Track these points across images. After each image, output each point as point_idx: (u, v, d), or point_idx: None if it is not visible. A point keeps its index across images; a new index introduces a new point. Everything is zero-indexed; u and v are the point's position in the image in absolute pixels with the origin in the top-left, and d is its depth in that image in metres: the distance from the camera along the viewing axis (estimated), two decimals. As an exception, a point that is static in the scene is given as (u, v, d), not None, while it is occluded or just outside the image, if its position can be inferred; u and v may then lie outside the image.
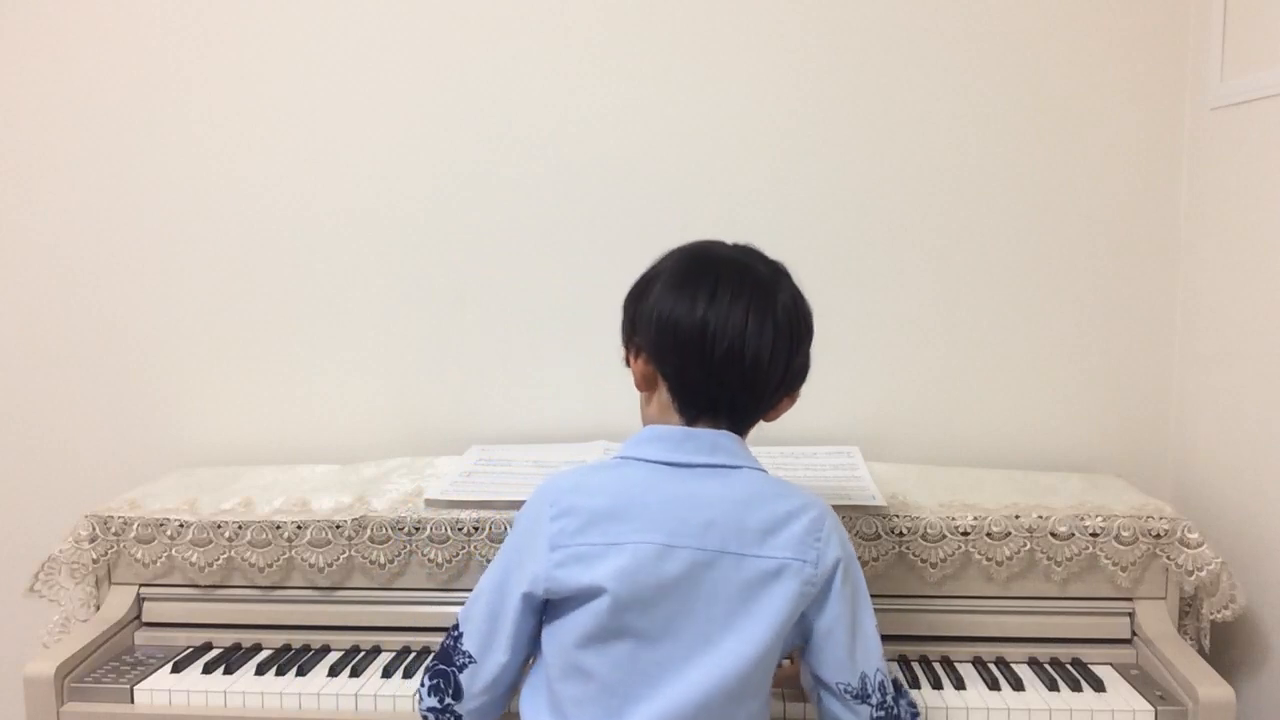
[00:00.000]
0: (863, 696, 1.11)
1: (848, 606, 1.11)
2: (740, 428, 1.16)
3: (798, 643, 1.14)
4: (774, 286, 1.15)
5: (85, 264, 1.89)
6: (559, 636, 1.09)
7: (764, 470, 1.15)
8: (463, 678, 1.12)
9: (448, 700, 1.12)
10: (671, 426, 1.13)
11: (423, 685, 1.15)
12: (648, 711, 1.05)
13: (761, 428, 1.17)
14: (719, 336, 1.09)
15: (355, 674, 1.44)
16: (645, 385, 1.17)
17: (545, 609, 1.12)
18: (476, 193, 1.83)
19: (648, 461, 1.12)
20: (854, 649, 1.11)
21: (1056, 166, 1.77)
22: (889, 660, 1.44)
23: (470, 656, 1.12)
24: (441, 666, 1.14)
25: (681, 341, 1.11)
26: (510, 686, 1.15)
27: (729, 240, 1.22)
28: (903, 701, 1.14)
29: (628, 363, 1.19)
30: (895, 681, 1.15)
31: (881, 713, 1.11)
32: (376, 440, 1.88)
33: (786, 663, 1.35)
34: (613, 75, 1.80)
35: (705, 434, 1.13)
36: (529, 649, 1.14)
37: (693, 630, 1.06)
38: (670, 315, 1.11)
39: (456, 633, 1.14)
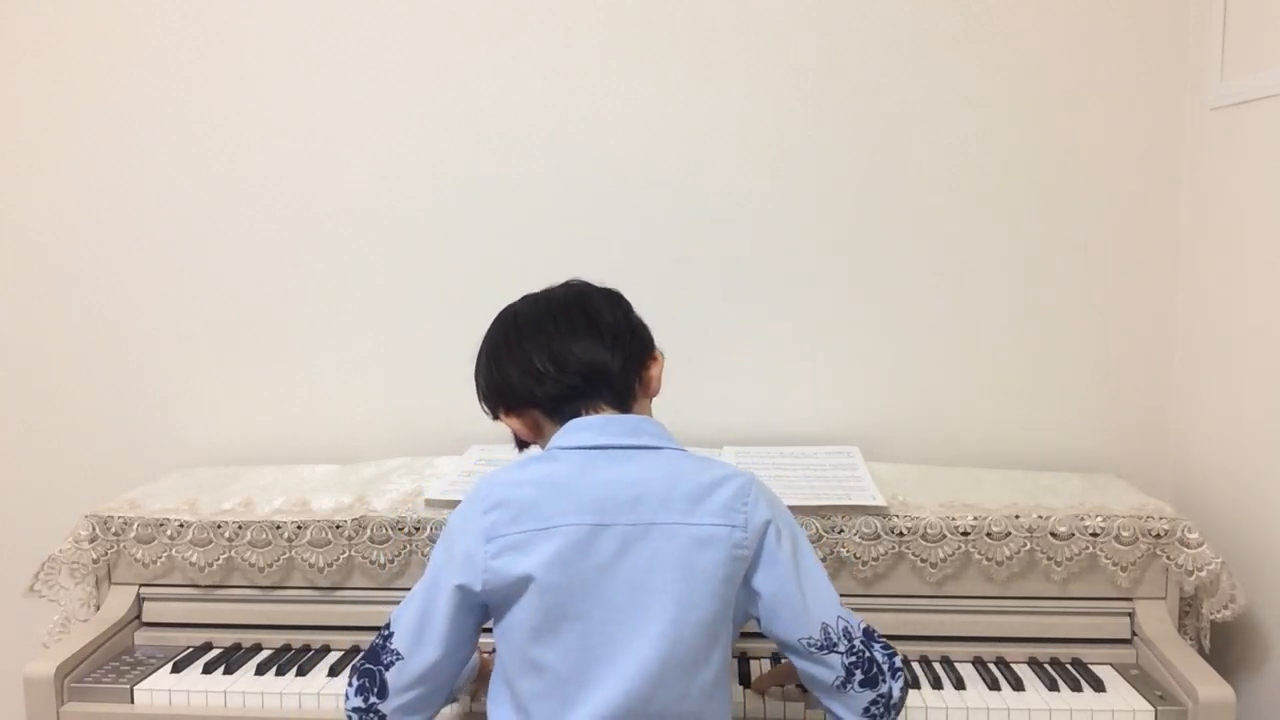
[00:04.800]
0: (829, 646, 1.11)
1: (790, 562, 1.12)
2: (622, 403, 1.19)
3: (751, 613, 1.15)
4: (572, 296, 1.23)
5: (85, 264, 1.89)
6: (509, 635, 1.11)
7: (685, 450, 1.19)
8: (389, 675, 1.12)
9: (372, 699, 1.13)
10: (592, 416, 1.17)
11: (349, 685, 1.14)
12: (603, 694, 1.06)
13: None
14: (543, 356, 1.18)
15: (355, 674, 1.44)
16: (534, 433, 1.23)
17: (488, 611, 1.13)
18: (476, 193, 1.83)
19: (575, 449, 1.15)
20: (806, 601, 1.12)
21: (1056, 167, 1.77)
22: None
23: (398, 654, 1.13)
24: (368, 666, 1.14)
25: (523, 377, 1.18)
26: (440, 688, 1.15)
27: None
28: (876, 645, 1.14)
29: (517, 442, 1.28)
30: (868, 629, 1.14)
31: (853, 658, 1.11)
32: (376, 440, 1.88)
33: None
34: (613, 76, 1.80)
35: (626, 418, 1.18)
36: (465, 649, 1.14)
37: (634, 605, 1.08)
38: (497, 357, 1.21)
39: (387, 631, 1.15)
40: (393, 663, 1.13)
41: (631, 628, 1.08)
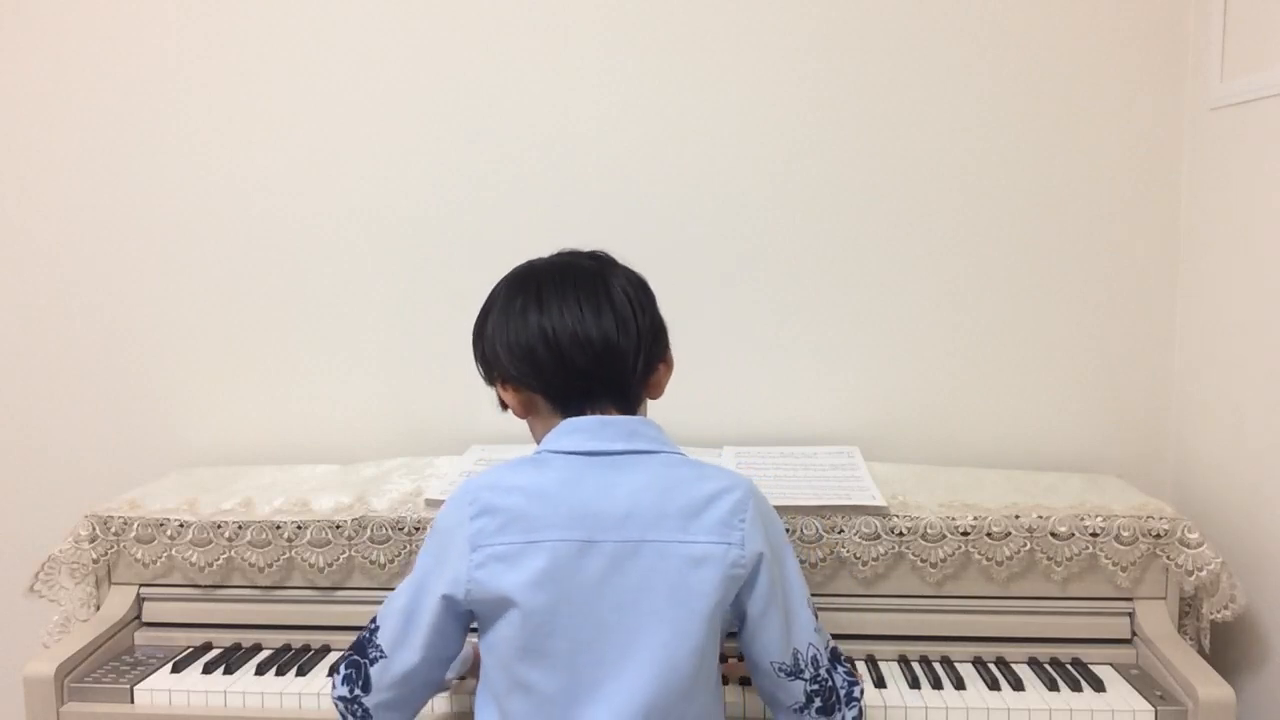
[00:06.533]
0: (795, 673, 1.11)
1: (779, 587, 1.11)
2: (626, 406, 1.16)
3: (734, 626, 1.14)
4: (601, 274, 1.17)
5: (85, 265, 1.89)
6: (495, 651, 1.09)
7: (683, 453, 1.15)
8: (373, 671, 1.12)
9: (357, 691, 1.13)
10: (587, 417, 1.13)
11: (337, 673, 1.15)
12: (594, 718, 1.04)
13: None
14: (560, 334, 1.12)
15: (355, 674, 1.44)
16: (525, 410, 1.19)
17: (474, 620, 1.11)
18: (476, 192, 1.83)
19: (566, 454, 1.11)
20: (789, 629, 1.11)
21: (1057, 167, 1.77)
22: (892, 660, 1.46)
23: (382, 651, 1.12)
24: (355, 657, 1.14)
25: (531, 356, 1.13)
26: (420, 689, 1.14)
27: (549, 251, 1.25)
28: (839, 670, 1.14)
29: (502, 405, 1.21)
30: (834, 650, 1.15)
31: (815, 685, 1.11)
32: (376, 440, 1.88)
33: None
34: (613, 76, 1.80)
35: (622, 420, 1.13)
36: (446, 654, 1.13)
37: (624, 626, 1.05)
38: (511, 338, 1.14)
39: (373, 625, 1.14)
40: (377, 659, 1.12)
41: (622, 649, 1.05)
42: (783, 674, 1.11)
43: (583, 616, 1.05)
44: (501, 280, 1.21)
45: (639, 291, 1.18)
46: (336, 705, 1.14)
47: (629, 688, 1.04)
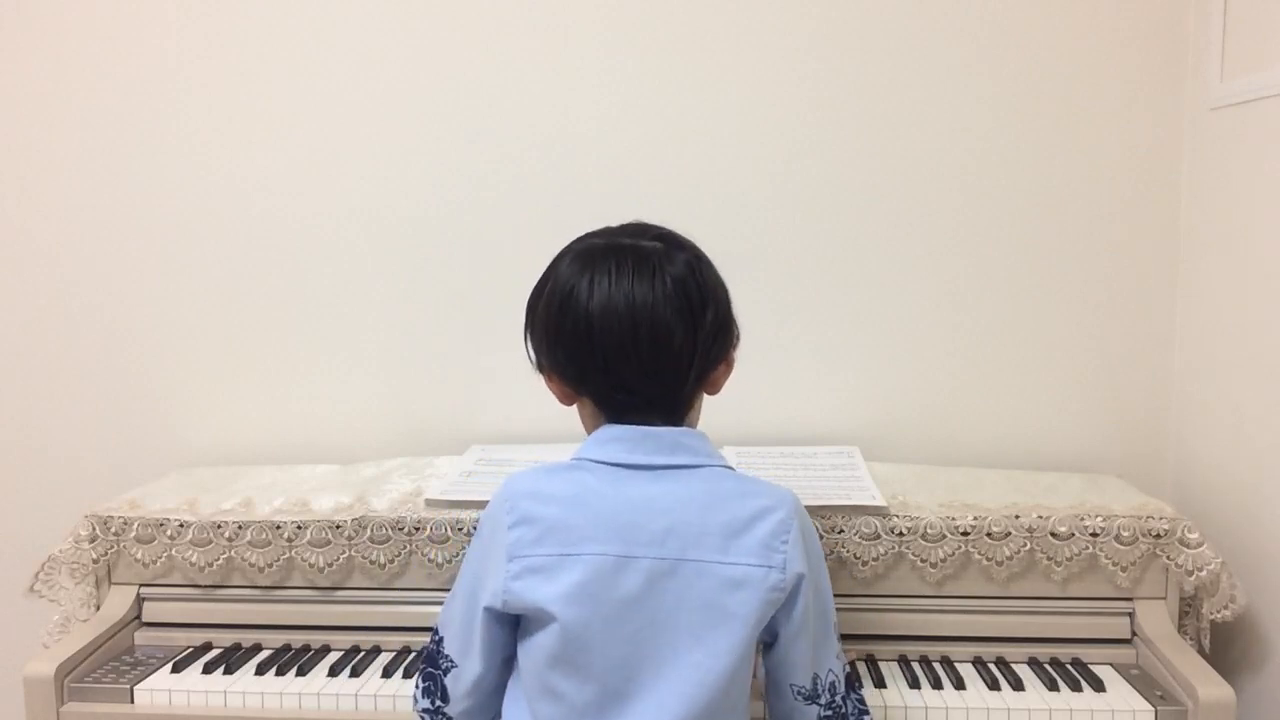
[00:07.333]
0: (812, 697, 1.11)
1: (812, 609, 1.09)
2: (674, 415, 1.13)
3: (766, 640, 1.13)
4: (662, 258, 1.10)
5: (85, 265, 1.89)
6: (529, 654, 1.08)
7: (729, 466, 1.13)
8: (447, 681, 1.12)
9: (438, 702, 1.13)
10: (630, 426, 1.10)
11: (417, 686, 1.15)
12: None
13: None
14: (607, 330, 1.06)
15: (355, 674, 1.44)
16: (567, 400, 1.16)
17: (519, 622, 1.11)
18: (476, 192, 1.83)
19: (605, 464, 1.09)
20: (815, 653, 1.10)
21: (1056, 167, 1.77)
22: (892, 660, 1.46)
23: (452, 661, 1.12)
24: (429, 669, 1.14)
25: (574, 351, 1.09)
26: (494, 691, 1.14)
27: (623, 220, 1.21)
28: (852, 698, 1.13)
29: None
30: (849, 677, 1.14)
31: (829, 712, 1.11)
32: (376, 440, 1.88)
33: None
34: (613, 75, 1.80)
35: (666, 432, 1.10)
36: (503, 656, 1.12)
37: (659, 644, 1.04)
38: (557, 328, 1.09)
39: (438, 637, 1.14)
40: (449, 669, 1.12)
41: (654, 667, 1.04)
42: (800, 697, 1.10)
43: (617, 632, 1.04)
44: (558, 256, 1.15)
45: (702, 286, 1.11)
46: (422, 718, 1.14)
47: (658, 705, 1.03)
